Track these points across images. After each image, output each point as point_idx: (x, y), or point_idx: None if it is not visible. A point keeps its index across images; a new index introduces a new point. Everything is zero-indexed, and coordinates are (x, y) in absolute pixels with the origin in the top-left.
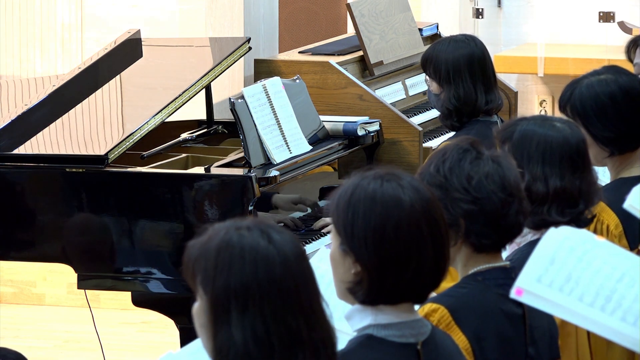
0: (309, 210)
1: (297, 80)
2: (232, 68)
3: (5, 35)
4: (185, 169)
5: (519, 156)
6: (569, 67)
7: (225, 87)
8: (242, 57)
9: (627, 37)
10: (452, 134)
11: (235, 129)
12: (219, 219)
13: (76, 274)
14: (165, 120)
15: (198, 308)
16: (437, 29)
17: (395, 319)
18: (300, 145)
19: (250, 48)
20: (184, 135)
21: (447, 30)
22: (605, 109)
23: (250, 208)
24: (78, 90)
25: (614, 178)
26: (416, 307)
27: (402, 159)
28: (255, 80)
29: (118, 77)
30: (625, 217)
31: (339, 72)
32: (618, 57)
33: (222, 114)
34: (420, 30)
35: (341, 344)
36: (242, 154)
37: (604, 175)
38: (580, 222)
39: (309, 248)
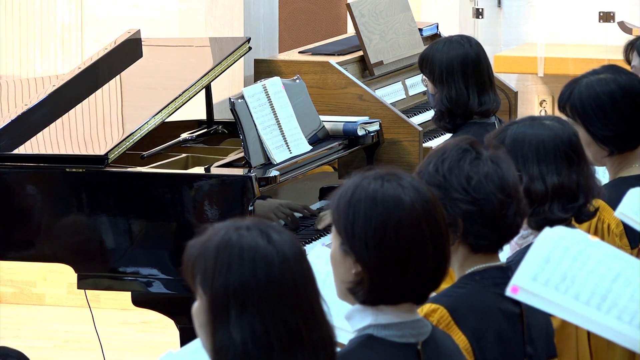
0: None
1: (297, 80)
2: (232, 68)
3: (5, 35)
4: (185, 169)
5: (514, 159)
6: (569, 67)
7: (225, 87)
8: (242, 57)
9: (627, 37)
10: (450, 134)
11: (235, 129)
12: (219, 219)
13: (76, 274)
14: (165, 120)
15: (197, 308)
16: (437, 29)
17: (396, 319)
18: (300, 145)
19: (250, 48)
20: (184, 135)
21: (447, 30)
22: (604, 108)
23: (250, 208)
24: (78, 90)
25: (612, 177)
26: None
27: (402, 159)
28: (255, 80)
29: (118, 77)
30: None
31: (339, 72)
32: (618, 57)
33: (222, 114)
34: (420, 30)
35: (341, 341)
36: (242, 154)
37: (603, 175)
38: (583, 215)
39: (308, 248)
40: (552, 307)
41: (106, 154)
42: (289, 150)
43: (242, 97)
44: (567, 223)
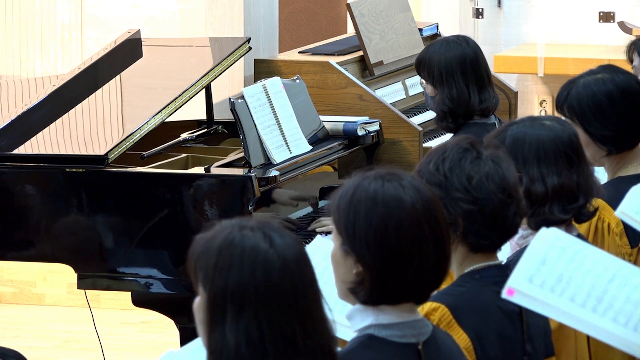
0: (309, 208)
1: (297, 80)
2: (232, 68)
3: (5, 35)
4: (185, 169)
5: (514, 160)
6: (569, 67)
7: (225, 87)
8: (242, 57)
9: (627, 37)
10: (451, 134)
11: (235, 129)
12: (219, 219)
13: (76, 274)
14: (165, 120)
15: (198, 304)
16: (437, 29)
17: (397, 319)
18: (300, 145)
19: (250, 48)
20: (184, 135)
21: (447, 30)
22: (602, 107)
23: (250, 208)
24: (78, 90)
25: (611, 177)
26: None
27: (402, 159)
28: (255, 80)
29: (118, 77)
30: None
31: (339, 72)
32: (618, 57)
33: (222, 114)
34: (420, 30)
35: (343, 336)
36: (242, 154)
37: (603, 176)
38: (583, 216)
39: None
40: (548, 309)
41: (106, 154)
42: (289, 150)
43: (242, 97)
44: (567, 223)
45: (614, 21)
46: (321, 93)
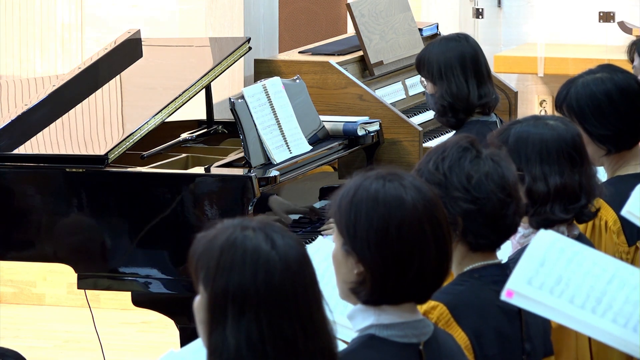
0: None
1: (297, 80)
2: (232, 68)
3: (5, 35)
4: (185, 169)
5: (517, 159)
6: (569, 67)
7: (225, 87)
8: (242, 57)
9: (627, 37)
10: (452, 133)
11: (235, 129)
12: (219, 219)
13: (76, 274)
14: (165, 120)
15: (198, 303)
16: (437, 29)
17: (398, 319)
18: (300, 145)
19: (250, 48)
20: (184, 135)
21: (447, 30)
22: (601, 107)
23: (250, 208)
24: (78, 90)
25: (610, 177)
26: None
27: (402, 159)
28: (255, 80)
29: (118, 77)
30: None
31: (339, 72)
32: (618, 57)
33: (222, 114)
34: (420, 30)
35: (343, 337)
36: (242, 154)
37: (602, 175)
38: (584, 216)
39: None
40: (547, 310)
41: (106, 154)
42: (289, 150)
43: (242, 97)
44: (569, 223)
45: (614, 21)
46: (321, 93)
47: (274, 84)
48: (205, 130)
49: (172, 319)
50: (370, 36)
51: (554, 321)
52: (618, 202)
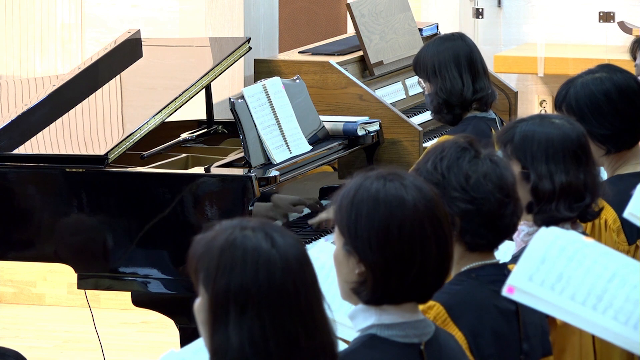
0: (309, 210)
1: (297, 80)
2: (232, 68)
3: (5, 35)
4: (185, 169)
5: (522, 157)
6: (569, 67)
7: (225, 87)
8: (242, 57)
9: (627, 37)
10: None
11: (235, 129)
12: (219, 219)
13: (76, 274)
14: (165, 120)
15: (199, 305)
16: (437, 29)
17: (399, 319)
18: (300, 145)
19: (250, 48)
20: (184, 135)
21: (447, 30)
22: (600, 106)
23: (250, 208)
24: (78, 90)
25: (610, 176)
26: None
27: (402, 159)
28: (255, 80)
29: (118, 77)
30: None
31: (339, 72)
32: (618, 57)
33: (222, 114)
34: (420, 30)
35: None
36: (242, 154)
37: (603, 175)
38: (588, 215)
39: (308, 248)
40: (548, 307)
41: (106, 154)
42: (289, 150)
43: (242, 97)
44: (572, 222)
45: (614, 21)
46: (321, 93)
47: (274, 84)
48: (205, 130)
49: (172, 319)
50: (370, 36)
51: (558, 318)
52: (618, 201)
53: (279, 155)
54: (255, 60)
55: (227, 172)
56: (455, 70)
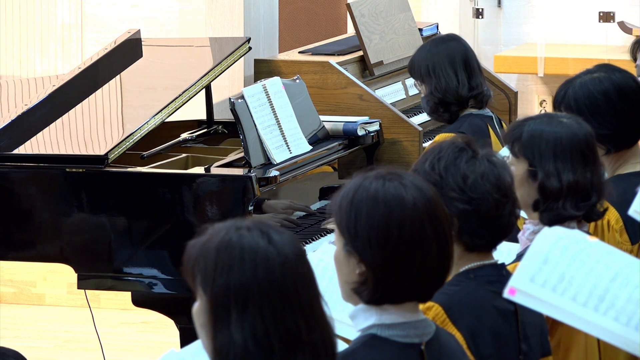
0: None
1: (297, 80)
2: (232, 68)
3: (5, 35)
4: (185, 169)
5: (530, 155)
6: (569, 67)
7: (225, 87)
8: (242, 57)
9: (627, 37)
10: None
11: (235, 129)
12: (219, 219)
13: (76, 274)
14: (165, 120)
15: (198, 308)
16: (437, 29)
17: (400, 319)
18: (300, 145)
19: (250, 48)
20: (184, 135)
21: (447, 30)
22: (599, 106)
23: (250, 208)
24: (78, 90)
25: (610, 176)
26: None
27: (402, 159)
28: (255, 80)
29: (118, 77)
30: (626, 212)
31: (339, 72)
32: (618, 57)
33: (222, 114)
34: (420, 30)
35: (345, 335)
36: (242, 154)
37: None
38: (594, 214)
39: (308, 248)
40: (549, 308)
41: (106, 154)
42: (289, 150)
43: (242, 97)
44: (578, 221)
45: (614, 21)
46: (321, 93)
47: (274, 84)
48: (205, 130)
49: (172, 319)
50: (370, 36)
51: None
52: (619, 200)
53: (279, 155)
54: (255, 60)
55: (227, 172)
56: (450, 69)
